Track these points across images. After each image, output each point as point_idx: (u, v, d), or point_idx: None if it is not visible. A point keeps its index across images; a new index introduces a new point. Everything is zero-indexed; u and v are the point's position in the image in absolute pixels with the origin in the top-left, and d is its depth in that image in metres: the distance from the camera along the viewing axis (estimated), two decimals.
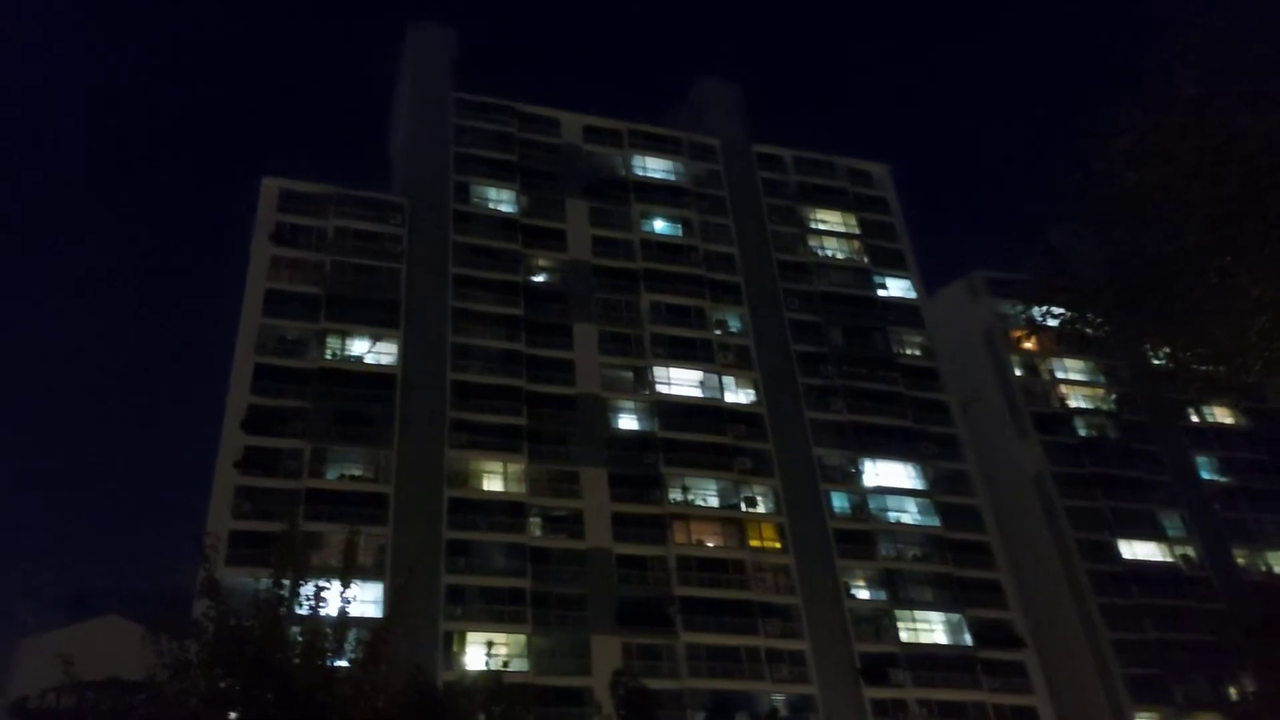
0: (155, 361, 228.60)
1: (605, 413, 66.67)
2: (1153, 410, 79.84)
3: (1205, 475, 78.45)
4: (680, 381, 69.27)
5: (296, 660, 17.63)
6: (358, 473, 60.03)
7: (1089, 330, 11.84)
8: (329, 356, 63.38)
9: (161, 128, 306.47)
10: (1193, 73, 9.56)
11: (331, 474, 59.31)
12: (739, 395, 70.14)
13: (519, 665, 53.77)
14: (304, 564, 18.97)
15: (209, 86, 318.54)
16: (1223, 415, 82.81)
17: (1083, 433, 78.04)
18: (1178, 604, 69.18)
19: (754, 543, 63.96)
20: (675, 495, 64.21)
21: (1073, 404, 79.53)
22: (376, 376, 63.40)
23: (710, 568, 61.93)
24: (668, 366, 69.42)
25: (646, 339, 70.19)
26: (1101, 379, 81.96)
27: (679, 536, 62.57)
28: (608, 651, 55.76)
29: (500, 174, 74.98)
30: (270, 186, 69.33)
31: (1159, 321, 11.07)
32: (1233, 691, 57.70)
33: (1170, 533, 74.12)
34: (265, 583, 18.38)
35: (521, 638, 56.25)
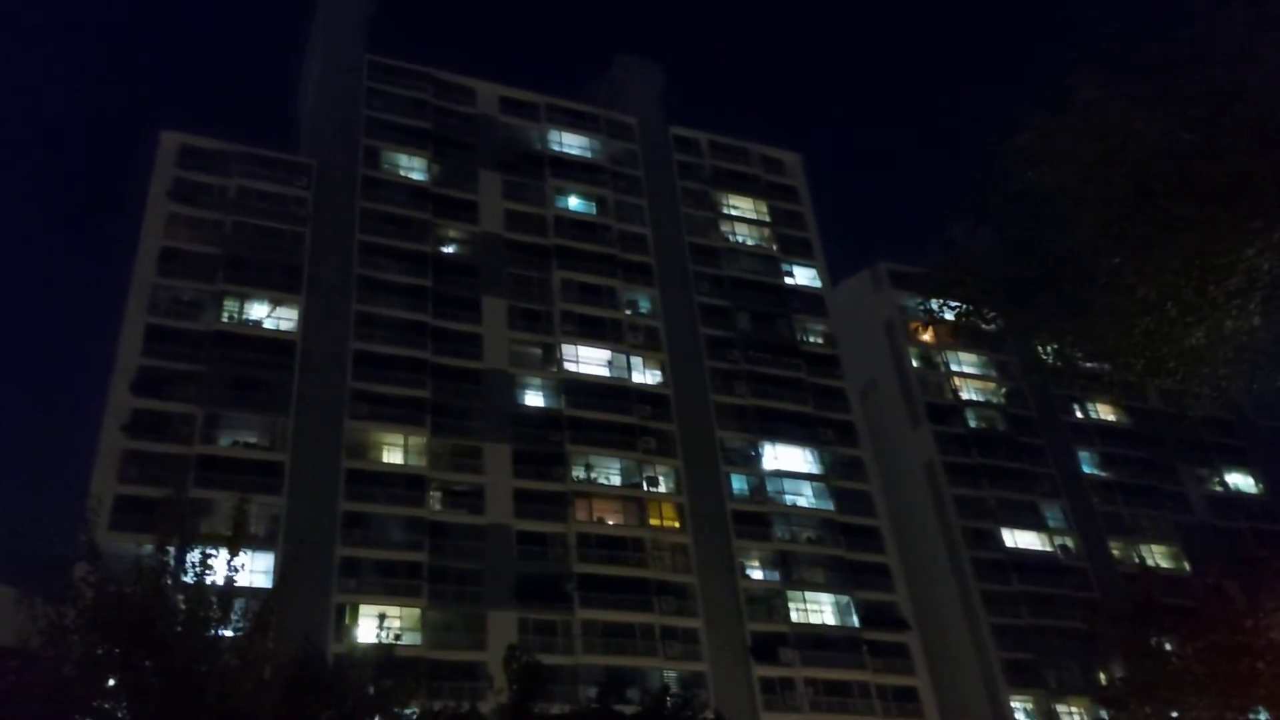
0: (44, 317, 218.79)
1: (511, 388, 66.30)
2: (1040, 405, 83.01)
3: (1086, 469, 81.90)
4: (588, 360, 69.29)
5: (179, 629, 17.22)
6: (252, 440, 58.50)
7: (983, 325, 12.14)
8: (225, 320, 61.53)
9: (59, 76, 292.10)
10: (1090, 75, 9.86)
11: (224, 440, 57.70)
12: (646, 376, 70.51)
13: (412, 639, 53.22)
14: (191, 531, 18.54)
15: (112, 34, 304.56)
16: (1105, 412, 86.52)
17: (973, 424, 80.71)
18: (1054, 592, 72.18)
19: (654, 522, 64.53)
20: (578, 473, 64.32)
21: (965, 396, 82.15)
22: (275, 342, 61.81)
23: (610, 545, 62.29)
24: (576, 344, 69.37)
25: (556, 316, 69.96)
26: (993, 373, 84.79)
27: (580, 514, 62.74)
28: (503, 627, 55.66)
29: (412, 141, 73.58)
30: (170, 141, 66.83)
31: (1048, 318, 11.41)
32: (1102, 677, 60.38)
33: (1050, 523, 77.25)
34: (149, 549, 17.89)
35: (416, 611, 55.74)
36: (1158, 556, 78.31)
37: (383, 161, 72.20)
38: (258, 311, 62.92)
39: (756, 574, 65.74)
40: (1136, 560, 76.97)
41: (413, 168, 73.02)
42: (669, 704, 41.74)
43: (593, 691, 45.65)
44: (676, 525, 65.03)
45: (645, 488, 65.48)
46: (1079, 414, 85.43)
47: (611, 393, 68.33)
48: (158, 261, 61.76)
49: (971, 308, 11.89)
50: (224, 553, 18.32)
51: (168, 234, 63.11)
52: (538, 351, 68.86)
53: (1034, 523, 76.80)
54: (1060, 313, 11.07)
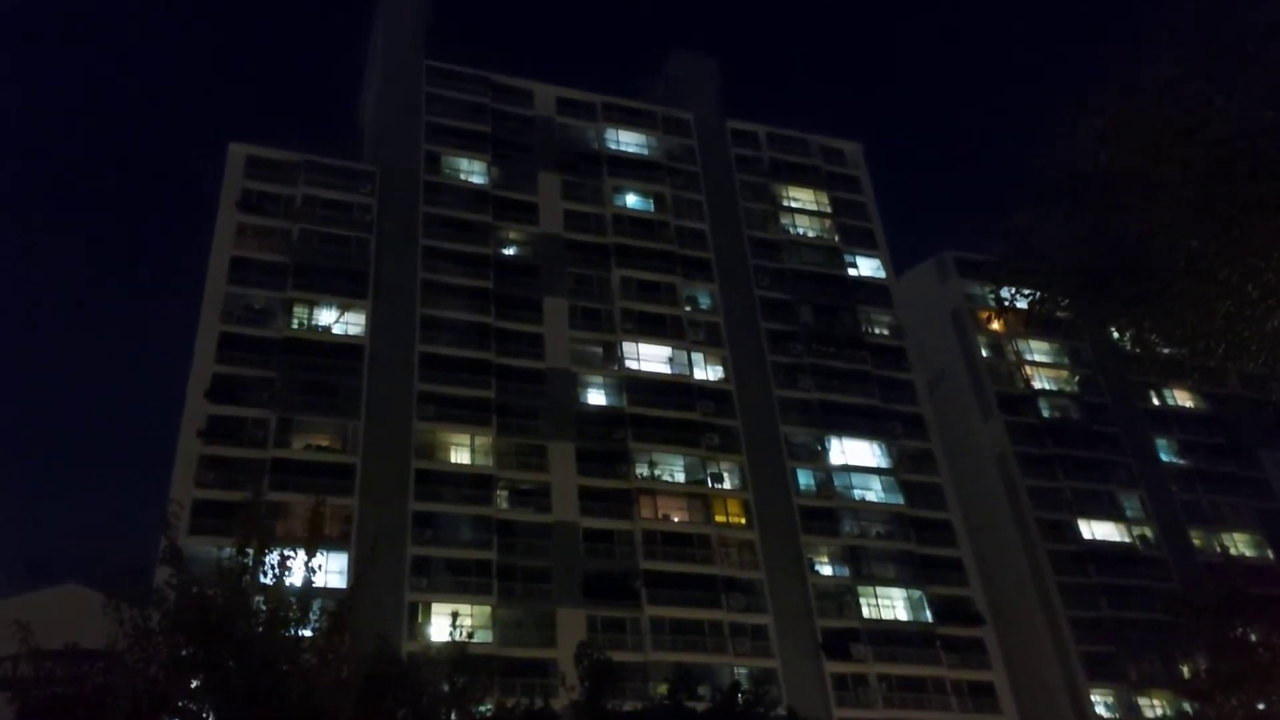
0: (120, 328, 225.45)
1: (574, 387, 66.63)
2: (1115, 392, 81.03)
3: (1164, 457, 79.79)
4: (649, 357, 69.32)
5: (260, 629, 17.58)
6: (324, 443, 59.67)
7: (1059, 313, 11.91)
8: (295, 326, 62.83)
9: (127, 90, 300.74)
10: (1167, 55, 9.61)
11: (297, 444, 58.90)
12: (708, 372, 70.32)
13: (484, 637, 53.86)
14: (268, 533, 18.90)
15: (177, 50, 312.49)
16: (1183, 398, 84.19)
17: (1046, 413, 79.02)
18: (1134, 583, 70.41)
19: (719, 518, 64.34)
20: (642, 470, 64.40)
21: (1037, 385, 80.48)
22: (344, 347, 62.95)
23: (675, 542, 62.26)
24: (637, 342, 69.43)
25: (616, 314, 70.12)
26: (1066, 361, 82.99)
27: (645, 511, 62.81)
28: (572, 624, 56.02)
29: (472, 145, 74.31)
30: (237, 153, 68.35)
31: (1125, 304, 11.14)
32: (1185, 670, 58.75)
33: (1128, 513, 75.40)
34: (229, 551, 18.29)
35: (486, 609, 56.34)
36: (1240, 545, 76.06)
37: (444, 166, 73.04)
38: (326, 317, 64.16)
39: (826, 570, 65.19)
40: (1218, 549, 74.68)
41: (473, 171, 73.76)
42: (741, 700, 41.55)
43: (663, 688, 45.68)
44: (742, 521, 64.76)
45: (710, 484, 65.32)
46: (1155, 401, 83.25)
47: (673, 390, 68.28)
48: (228, 271, 63.28)
49: (1045, 295, 11.68)
50: (301, 554, 18.67)
51: (237, 243, 64.63)
52: (599, 350, 69.10)
53: (1111, 513, 75.02)
54: (1137, 298, 10.80)
